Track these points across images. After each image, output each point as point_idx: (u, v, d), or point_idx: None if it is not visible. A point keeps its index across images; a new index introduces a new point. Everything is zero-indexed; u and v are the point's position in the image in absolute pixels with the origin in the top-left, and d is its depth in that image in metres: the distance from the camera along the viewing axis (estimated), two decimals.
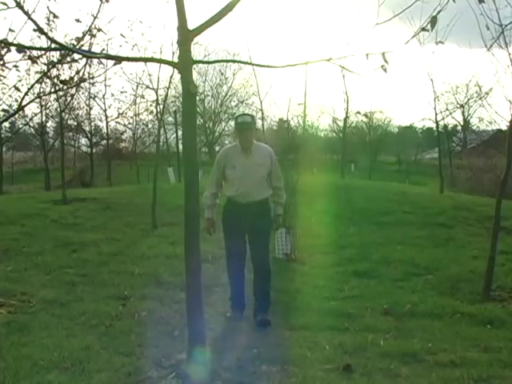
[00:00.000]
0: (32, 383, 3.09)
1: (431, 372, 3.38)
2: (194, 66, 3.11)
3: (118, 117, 23.81)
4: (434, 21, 2.80)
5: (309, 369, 3.36)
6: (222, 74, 34.94)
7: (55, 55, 6.90)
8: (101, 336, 3.90)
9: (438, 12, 2.83)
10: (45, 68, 7.33)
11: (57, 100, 12.87)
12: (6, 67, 5.04)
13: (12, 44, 4.06)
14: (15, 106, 11.38)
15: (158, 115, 12.88)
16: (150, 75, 14.01)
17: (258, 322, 4.25)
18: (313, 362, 3.48)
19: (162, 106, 11.17)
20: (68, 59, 5.94)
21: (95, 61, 9.09)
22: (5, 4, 3.34)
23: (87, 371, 3.25)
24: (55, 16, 5.07)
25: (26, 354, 3.45)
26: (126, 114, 23.80)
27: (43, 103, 17.93)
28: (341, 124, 22.05)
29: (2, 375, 3.13)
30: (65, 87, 8.86)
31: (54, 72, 7.92)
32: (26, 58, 4.86)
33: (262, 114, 12.87)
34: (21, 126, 22.59)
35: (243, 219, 4.26)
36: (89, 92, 21.08)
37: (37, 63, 5.87)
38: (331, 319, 4.45)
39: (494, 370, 3.39)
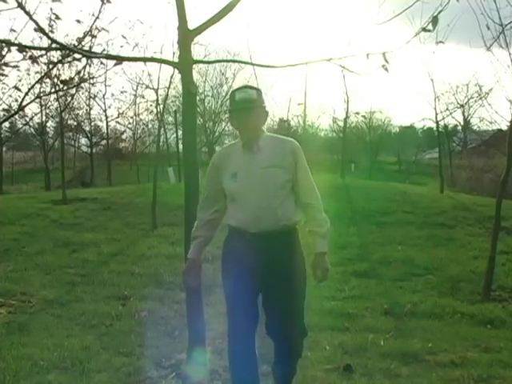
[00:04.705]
0: (32, 383, 3.09)
1: (431, 372, 3.38)
2: (194, 65, 3.11)
3: (117, 117, 23.84)
4: (435, 21, 2.80)
5: (309, 369, 3.36)
6: (223, 74, 34.97)
7: (56, 55, 6.92)
8: (101, 336, 3.91)
9: (439, 12, 2.83)
10: (45, 68, 7.34)
11: (57, 100, 12.89)
12: (8, 65, 5.04)
13: (13, 44, 4.06)
14: (15, 106, 11.39)
15: (158, 115, 12.89)
16: (149, 75, 14.03)
17: None
18: (313, 362, 3.47)
19: (162, 106, 11.19)
20: (69, 59, 5.94)
21: (96, 61, 9.11)
22: (6, 2, 3.35)
23: (87, 371, 3.25)
24: (57, 17, 5.07)
25: (26, 354, 3.45)
26: (125, 113, 23.82)
27: (43, 103, 17.95)
28: (341, 124, 22.05)
29: (1, 375, 3.13)
30: (65, 87, 8.86)
31: (54, 72, 7.94)
32: (26, 57, 4.86)
33: None
34: (21, 125, 22.61)
35: (255, 262, 2.52)
36: (89, 92, 21.09)
37: (37, 63, 5.87)
38: (331, 319, 4.45)
39: (495, 370, 3.39)
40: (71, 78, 7.19)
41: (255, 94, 2.62)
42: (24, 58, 4.81)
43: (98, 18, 4.86)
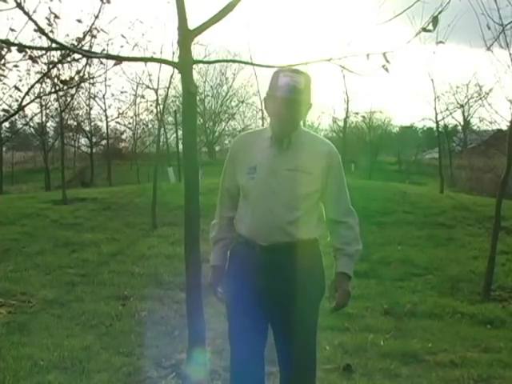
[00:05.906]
0: (32, 383, 3.09)
1: (431, 372, 3.38)
2: (194, 65, 3.11)
3: (117, 117, 23.82)
4: (435, 21, 2.80)
5: None
6: (223, 74, 35.05)
7: (56, 55, 6.93)
8: (101, 336, 3.91)
9: (440, 12, 2.83)
10: (45, 68, 7.35)
11: (57, 100, 12.90)
12: (7, 67, 5.05)
13: (13, 44, 4.05)
14: (15, 106, 11.40)
15: (158, 115, 12.88)
16: (149, 75, 14.03)
17: None
18: None
19: (161, 106, 11.18)
20: (68, 59, 5.94)
21: (95, 61, 9.12)
22: (6, 2, 3.35)
23: (87, 371, 3.25)
24: (56, 16, 5.08)
25: (26, 354, 3.45)
26: (126, 113, 23.83)
27: (43, 103, 17.94)
28: (341, 124, 22.07)
29: (1, 375, 3.13)
30: (65, 87, 8.86)
31: (54, 72, 7.94)
32: (26, 57, 4.86)
33: (263, 114, 12.89)
34: (21, 125, 22.62)
35: (264, 281, 2.15)
36: (89, 92, 21.05)
37: (37, 63, 5.88)
38: (331, 319, 4.44)
39: (494, 370, 3.40)
40: (71, 78, 7.19)
41: (303, 81, 2.09)
42: (24, 58, 4.82)
43: (97, 17, 4.88)
